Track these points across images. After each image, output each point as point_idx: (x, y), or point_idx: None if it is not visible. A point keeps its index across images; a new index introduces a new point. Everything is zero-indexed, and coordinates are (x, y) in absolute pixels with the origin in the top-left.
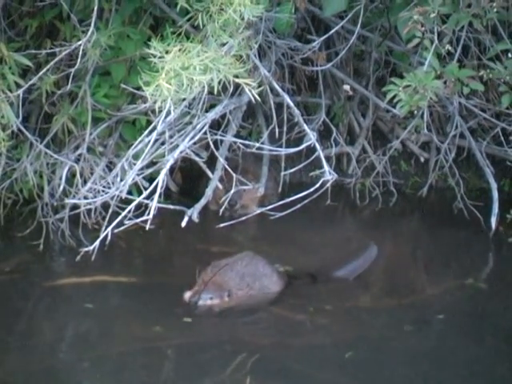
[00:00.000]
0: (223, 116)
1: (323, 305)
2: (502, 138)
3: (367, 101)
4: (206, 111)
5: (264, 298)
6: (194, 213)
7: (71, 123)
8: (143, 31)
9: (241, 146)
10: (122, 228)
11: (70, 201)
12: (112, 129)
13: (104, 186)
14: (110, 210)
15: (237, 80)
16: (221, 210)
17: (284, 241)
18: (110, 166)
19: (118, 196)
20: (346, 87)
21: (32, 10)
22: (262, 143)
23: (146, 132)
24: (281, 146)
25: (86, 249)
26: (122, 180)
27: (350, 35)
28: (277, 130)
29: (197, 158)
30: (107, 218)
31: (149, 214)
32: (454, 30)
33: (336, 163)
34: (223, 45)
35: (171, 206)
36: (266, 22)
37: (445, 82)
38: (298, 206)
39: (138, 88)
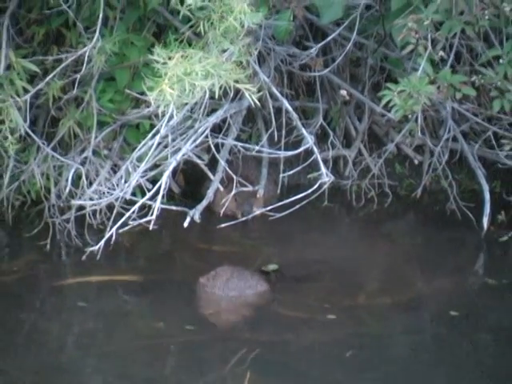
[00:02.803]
0: (224, 120)
1: (321, 303)
2: (494, 141)
3: (363, 105)
4: (208, 115)
5: (260, 297)
6: (195, 213)
7: (77, 127)
8: (147, 38)
9: (241, 148)
10: (126, 228)
11: (76, 202)
12: (116, 132)
13: (109, 188)
14: (115, 211)
15: (237, 85)
16: (221, 212)
17: (282, 240)
18: (114, 169)
19: (122, 197)
20: (343, 92)
21: (39, 18)
22: (262, 146)
23: (150, 135)
24: (280, 149)
25: (92, 248)
26: (126, 182)
27: (347, 42)
28: (276, 133)
29: (198, 161)
30: (112, 219)
31: (152, 214)
32: (447, 37)
33: (333, 166)
34: (224, 51)
35: (174, 207)
36: (266, 29)
37: (438, 87)
38: (297, 206)
39: (142, 93)
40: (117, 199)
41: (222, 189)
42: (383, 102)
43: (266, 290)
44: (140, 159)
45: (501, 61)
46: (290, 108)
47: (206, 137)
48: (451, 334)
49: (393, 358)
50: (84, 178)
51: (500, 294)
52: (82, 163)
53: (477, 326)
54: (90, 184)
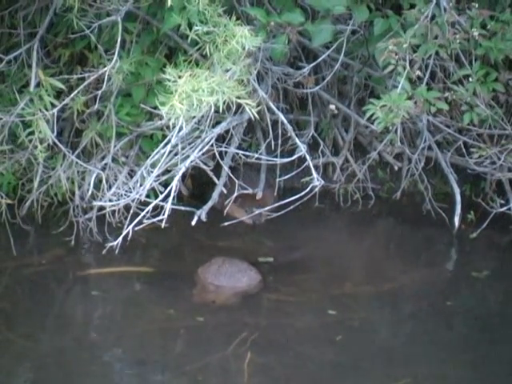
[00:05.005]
0: (227, 131)
1: (311, 292)
2: (464, 150)
3: (349, 118)
4: (213, 127)
5: (257, 287)
6: (202, 213)
7: (98, 137)
8: (159, 59)
9: (242, 156)
10: (141, 226)
11: (97, 203)
12: (133, 142)
13: (126, 191)
14: (131, 211)
15: (239, 100)
16: (225, 212)
17: (278, 236)
18: (131, 174)
19: (137, 199)
20: (332, 107)
21: (65, 41)
22: (261, 154)
23: (162, 145)
24: (276, 157)
25: (111, 244)
26: (141, 185)
27: (335, 62)
28: (273, 143)
29: (205, 167)
30: (129, 218)
31: (164, 214)
32: (423, 58)
33: (323, 171)
34: (227, 71)
35: (183, 208)
36: (264, 51)
37: (415, 102)
38: (291, 207)
39: (155, 107)
40: (133, 200)
41: (225, 191)
42: (367, 115)
43: (255, 277)
44: (153, 165)
45: (470, 79)
46: (285, 120)
47: (212, 146)
48: (426, 317)
49: (378, 340)
50: (104, 182)
51: (470, 283)
52: (103, 169)
53: (447, 311)
54: (110, 187)
